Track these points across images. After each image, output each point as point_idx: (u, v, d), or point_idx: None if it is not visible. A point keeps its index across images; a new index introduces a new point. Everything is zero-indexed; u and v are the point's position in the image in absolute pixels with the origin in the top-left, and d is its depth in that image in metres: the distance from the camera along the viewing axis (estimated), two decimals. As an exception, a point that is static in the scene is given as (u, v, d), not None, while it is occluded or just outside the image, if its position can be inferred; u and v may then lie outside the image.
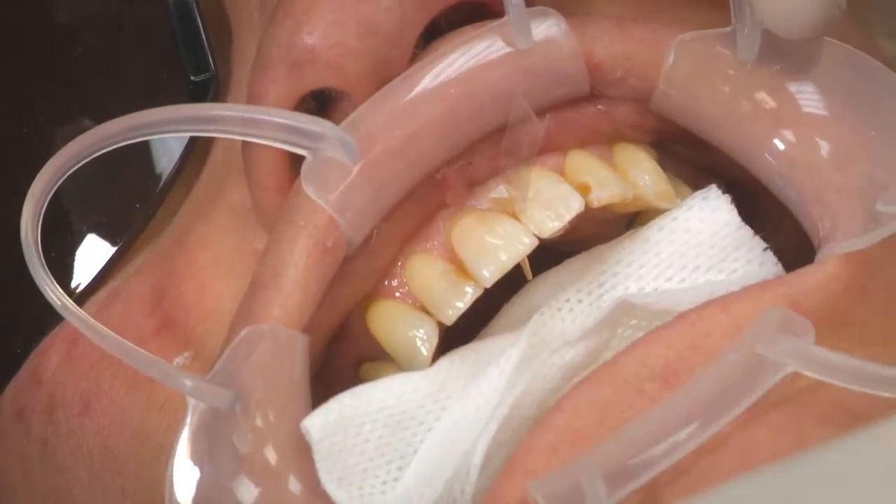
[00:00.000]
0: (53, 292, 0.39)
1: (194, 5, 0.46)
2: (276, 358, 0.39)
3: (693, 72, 0.41)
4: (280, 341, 0.39)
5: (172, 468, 0.39)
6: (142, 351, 0.39)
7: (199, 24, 0.46)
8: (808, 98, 0.40)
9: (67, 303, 0.39)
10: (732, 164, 0.42)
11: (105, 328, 0.39)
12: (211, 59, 0.46)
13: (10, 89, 0.49)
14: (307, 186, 0.40)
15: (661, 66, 0.41)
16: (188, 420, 0.39)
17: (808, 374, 0.35)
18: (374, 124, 0.40)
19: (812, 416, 0.36)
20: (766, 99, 0.41)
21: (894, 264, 0.40)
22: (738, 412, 0.35)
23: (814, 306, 0.37)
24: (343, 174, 0.40)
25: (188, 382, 0.38)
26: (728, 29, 0.41)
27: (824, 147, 0.40)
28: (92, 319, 0.39)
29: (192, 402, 0.39)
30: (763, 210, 0.43)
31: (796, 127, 0.40)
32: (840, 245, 0.38)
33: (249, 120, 0.39)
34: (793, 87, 0.40)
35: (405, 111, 0.40)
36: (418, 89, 0.40)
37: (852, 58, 0.41)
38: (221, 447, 0.38)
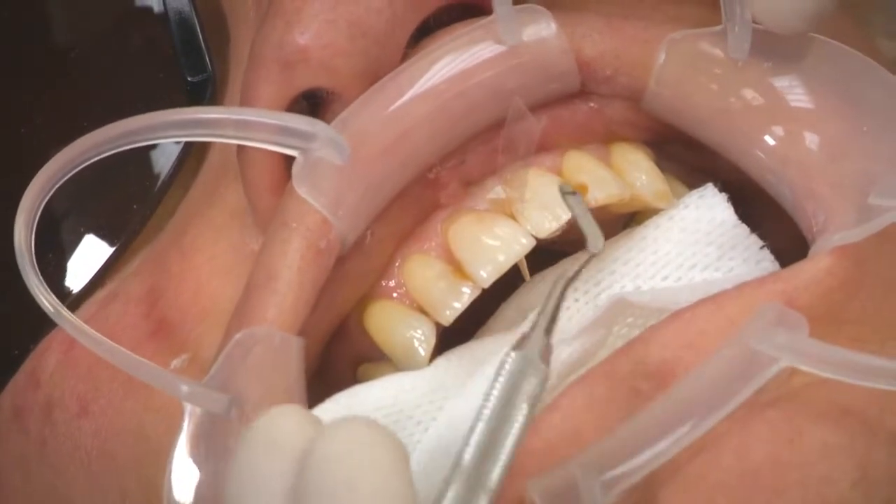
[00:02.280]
0: (47, 299, 0.39)
1: (191, 6, 0.46)
2: (271, 361, 0.39)
3: (684, 70, 0.41)
4: (275, 344, 0.39)
5: (170, 473, 0.39)
6: (136, 357, 0.39)
7: (197, 24, 0.46)
8: (800, 95, 0.40)
9: (61, 310, 0.39)
10: (729, 165, 0.42)
11: (99, 334, 0.39)
12: (208, 60, 0.46)
13: (7, 90, 0.49)
14: (299, 187, 0.40)
15: (651, 64, 0.41)
16: (185, 424, 0.39)
17: (801, 367, 0.35)
18: (365, 123, 0.40)
19: (809, 413, 0.36)
20: (757, 96, 0.41)
21: (888, 260, 0.40)
22: (732, 407, 0.35)
23: (809, 302, 0.37)
24: (334, 173, 0.40)
25: (184, 387, 0.38)
26: (719, 28, 0.41)
27: (816, 143, 0.40)
28: (86, 326, 0.39)
29: (188, 406, 0.39)
30: (759, 209, 0.43)
31: (788, 124, 0.40)
32: (833, 238, 0.38)
33: (240, 122, 0.39)
34: (784, 85, 0.40)
35: (396, 109, 0.40)
36: (409, 88, 0.41)
37: (843, 54, 0.41)
38: (218, 451, 0.38)
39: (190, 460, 0.38)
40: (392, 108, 0.40)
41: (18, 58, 0.49)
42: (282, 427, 0.34)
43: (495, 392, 0.35)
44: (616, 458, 0.34)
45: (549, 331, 0.36)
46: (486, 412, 0.34)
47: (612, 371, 0.37)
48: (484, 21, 0.41)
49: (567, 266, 0.43)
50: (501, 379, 0.35)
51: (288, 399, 0.39)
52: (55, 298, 0.39)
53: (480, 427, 0.34)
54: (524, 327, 0.38)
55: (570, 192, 0.41)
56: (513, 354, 0.35)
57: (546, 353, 0.36)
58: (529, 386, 0.35)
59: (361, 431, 0.33)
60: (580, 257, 0.43)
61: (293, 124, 0.39)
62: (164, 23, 0.47)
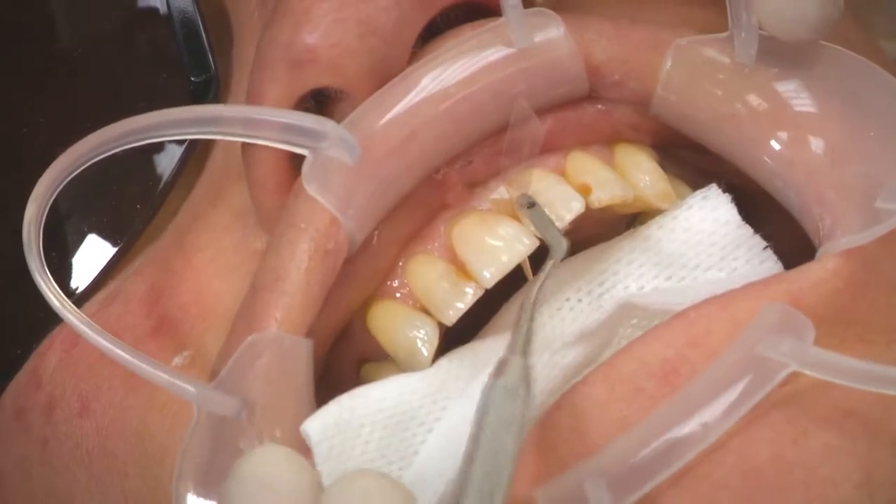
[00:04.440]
0: (56, 296, 0.39)
1: (195, 5, 0.46)
2: (281, 365, 0.39)
3: (691, 76, 0.41)
4: (285, 348, 0.39)
5: (179, 480, 0.38)
6: (147, 358, 0.39)
7: (200, 24, 0.46)
8: (806, 100, 0.40)
9: (70, 308, 0.39)
10: (734, 168, 0.42)
11: (110, 335, 0.39)
12: (211, 60, 0.46)
13: (10, 89, 0.49)
14: (309, 185, 0.40)
15: (658, 70, 0.42)
16: (193, 427, 0.39)
17: (809, 374, 0.35)
18: (375, 123, 0.40)
19: (813, 416, 0.36)
20: (763, 102, 0.41)
21: (895, 262, 0.40)
22: (740, 415, 0.35)
23: (815, 303, 0.37)
24: (344, 172, 0.40)
25: (194, 390, 0.38)
26: (725, 34, 0.41)
27: (822, 147, 0.40)
28: (98, 326, 0.39)
29: (196, 407, 0.39)
30: (763, 211, 0.43)
31: (794, 129, 0.40)
32: (840, 242, 0.38)
33: (249, 120, 0.40)
34: (790, 90, 0.41)
35: (405, 110, 0.40)
36: (418, 89, 0.41)
37: (849, 60, 0.41)
38: (228, 453, 0.38)
39: (199, 463, 0.38)
40: (401, 109, 0.40)
41: (21, 58, 0.49)
42: (273, 471, 0.35)
43: (486, 429, 0.35)
44: (624, 466, 0.34)
45: (525, 353, 0.36)
46: (479, 451, 0.34)
47: (614, 372, 0.37)
48: (492, 24, 0.41)
49: (571, 265, 0.43)
50: (488, 413, 0.35)
51: (297, 402, 0.39)
52: (63, 296, 0.39)
53: (475, 470, 0.34)
54: (501, 350, 0.37)
55: (531, 204, 0.41)
56: (494, 384, 0.35)
57: (527, 377, 0.35)
58: (515, 416, 0.35)
59: (376, 483, 0.34)
60: (583, 256, 0.43)
61: (303, 123, 0.40)
62: (168, 22, 0.47)
